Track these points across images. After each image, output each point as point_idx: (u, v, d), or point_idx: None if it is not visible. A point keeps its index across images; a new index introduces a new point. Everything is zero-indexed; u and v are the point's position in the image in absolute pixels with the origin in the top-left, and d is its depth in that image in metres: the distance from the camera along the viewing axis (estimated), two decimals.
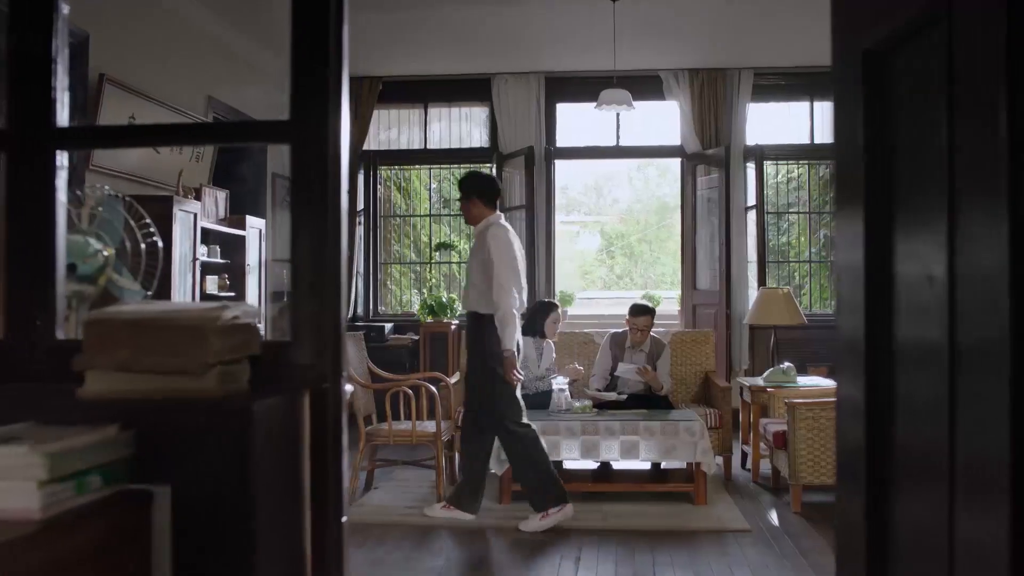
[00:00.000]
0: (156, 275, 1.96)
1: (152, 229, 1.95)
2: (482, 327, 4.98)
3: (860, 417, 1.48)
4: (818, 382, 6.38)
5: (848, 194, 1.54)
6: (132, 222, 1.93)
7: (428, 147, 9.12)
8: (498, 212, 5.16)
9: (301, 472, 1.60)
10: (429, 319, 8.40)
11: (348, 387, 2.14)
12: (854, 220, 1.50)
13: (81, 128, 1.79)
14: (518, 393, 5.03)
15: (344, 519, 1.64)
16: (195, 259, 5.69)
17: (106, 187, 1.92)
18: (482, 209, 5.09)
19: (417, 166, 9.36)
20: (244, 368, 1.55)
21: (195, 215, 5.70)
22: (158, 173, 5.93)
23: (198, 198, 5.96)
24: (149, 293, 1.95)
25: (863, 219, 1.47)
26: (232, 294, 6.38)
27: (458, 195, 5.18)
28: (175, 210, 5.42)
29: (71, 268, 1.81)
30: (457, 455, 5.42)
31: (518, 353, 5.04)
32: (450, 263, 9.30)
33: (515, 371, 4.93)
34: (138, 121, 5.76)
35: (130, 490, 1.36)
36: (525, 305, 5.19)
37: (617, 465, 6.01)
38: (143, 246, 1.93)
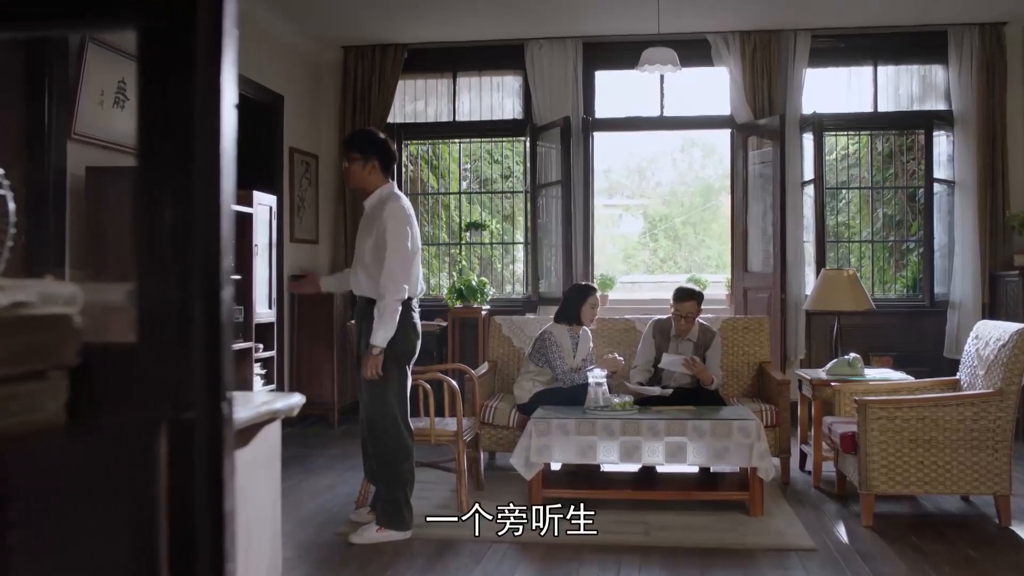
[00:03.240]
0: (5, 245, 1.37)
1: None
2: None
3: None
4: (888, 375, 5.69)
5: None
6: None
7: (457, 119, 8.49)
8: (392, 181, 4.52)
9: (154, 559, 0.99)
10: (458, 304, 7.81)
11: (286, 404, 1.52)
12: None
13: None
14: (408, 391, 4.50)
15: None
16: None
17: None
18: (379, 176, 4.46)
19: (445, 140, 8.74)
20: (48, 388, 0.96)
21: None
22: None
23: None
24: None
25: None
26: (238, 277, 5.83)
27: (350, 154, 4.48)
28: None
29: None
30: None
31: (413, 356, 4.50)
32: (482, 244, 8.69)
33: (376, 370, 4.29)
34: (128, 88, 5.21)
35: None
36: (423, 290, 4.60)
37: (661, 469, 5.38)
38: None
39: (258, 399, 1.61)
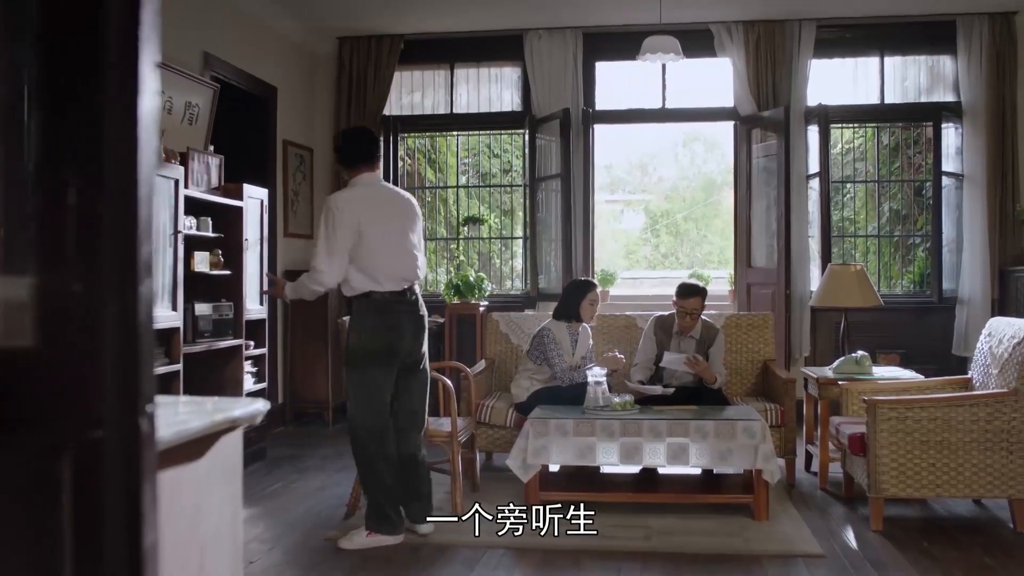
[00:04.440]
0: None
1: None
2: (352, 312, 4.36)
3: None
4: (897, 374, 5.52)
5: None
6: None
7: (455, 112, 8.31)
8: (363, 173, 4.31)
9: None
10: (455, 300, 7.65)
11: (246, 411, 1.36)
12: None
13: None
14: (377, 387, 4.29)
15: None
16: (176, 232, 4.97)
17: None
18: (348, 174, 4.39)
19: (443, 133, 8.57)
20: None
21: (176, 181, 4.98)
22: None
23: (184, 163, 5.24)
24: None
25: None
26: (227, 272, 5.67)
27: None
28: None
29: None
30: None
31: (383, 358, 4.26)
32: (480, 239, 8.53)
33: (276, 293, 4.46)
34: None
35: None
36: (411, 287, 4.30)
37: (663, 471, 5.21)
38: None
39: (214, 406, 1.45)
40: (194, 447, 1.39)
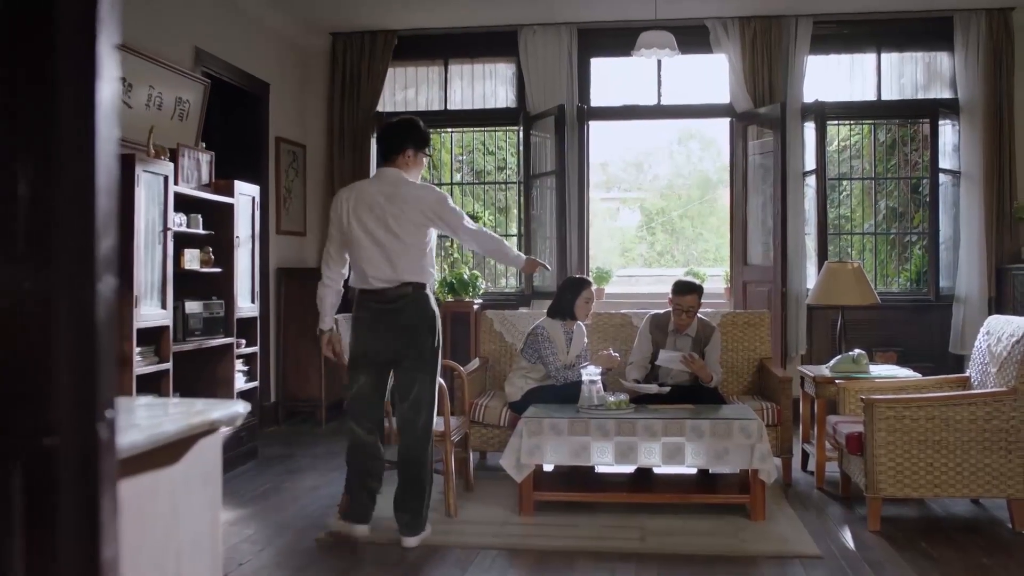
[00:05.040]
0: None
1: None
2: None
3: None
4: (894, 372, 5.47)
5: None
6: None
7: (449, 108, 8.26)
8: (383, 166, 4.32)
9: None
10: (449, 298, 7.59)
11: (225, 413, 1.31)
12: None
13: None
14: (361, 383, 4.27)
15: None
16: (166, 229, 4.91)
17: None
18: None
19: (437, 129, 8.50)
20: None
21: (166, 178, 4.91)
22: (129, 131, 5.14)
23: (174, 160, 5.17)
24: None
25: None
26: (218, 270, 5.60)
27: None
28: (139, 171, 4.63)
29: None
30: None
31: (358, 357, 4.26)
32: None
33: (330, 353, 4.39)
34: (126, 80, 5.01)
35: None
36: (369, 273, 4.16)
37: (658, 471, 5.17)
38: None
39: (191, 407, 1.40)
40: (170, 451, 1.33)
